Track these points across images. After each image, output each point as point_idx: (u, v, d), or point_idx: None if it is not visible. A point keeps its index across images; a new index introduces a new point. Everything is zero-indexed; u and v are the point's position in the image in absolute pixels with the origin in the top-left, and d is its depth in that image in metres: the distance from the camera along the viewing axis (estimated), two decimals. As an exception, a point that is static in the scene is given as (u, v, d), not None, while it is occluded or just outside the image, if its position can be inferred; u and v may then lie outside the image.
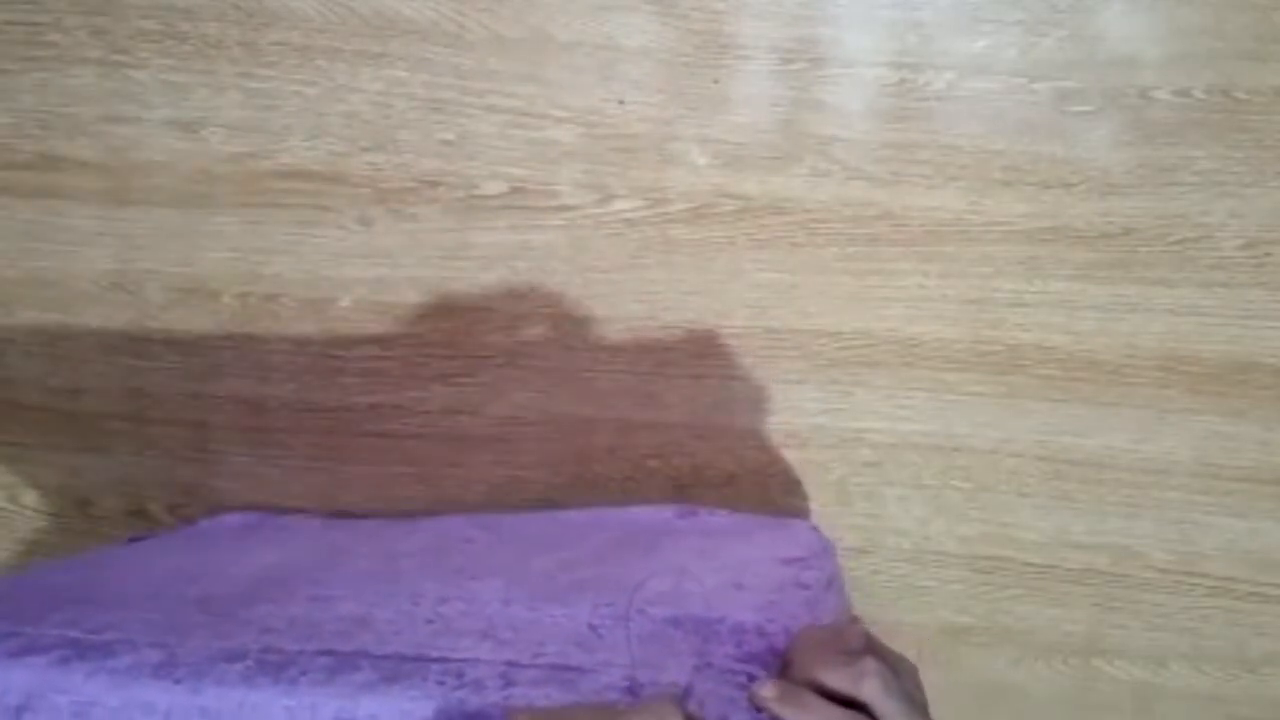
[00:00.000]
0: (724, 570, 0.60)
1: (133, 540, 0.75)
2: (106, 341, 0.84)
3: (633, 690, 0.48)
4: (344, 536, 0.72)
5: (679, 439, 0.83)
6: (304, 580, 0.60)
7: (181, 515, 0.87)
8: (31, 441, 0.87)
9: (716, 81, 0.76)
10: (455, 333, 0.82)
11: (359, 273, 0.81)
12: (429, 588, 0.57)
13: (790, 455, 0.83)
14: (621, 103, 0.77)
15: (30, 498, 0.88)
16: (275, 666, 0.50)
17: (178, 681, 0.49)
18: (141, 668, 0.50)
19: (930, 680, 0.84)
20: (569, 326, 0.81)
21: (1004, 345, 0.79)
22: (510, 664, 0.50)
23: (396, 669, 0.50)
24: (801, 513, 0.84)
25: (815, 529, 0.72)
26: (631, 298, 0.81)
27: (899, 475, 0.82)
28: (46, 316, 0.84)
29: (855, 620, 0.56)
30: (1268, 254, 0.76)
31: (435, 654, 0.51)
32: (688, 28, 0.75)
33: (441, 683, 0.49)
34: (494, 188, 0.79)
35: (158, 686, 0.50)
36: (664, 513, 0.73)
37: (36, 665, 0.50)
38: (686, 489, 0.84)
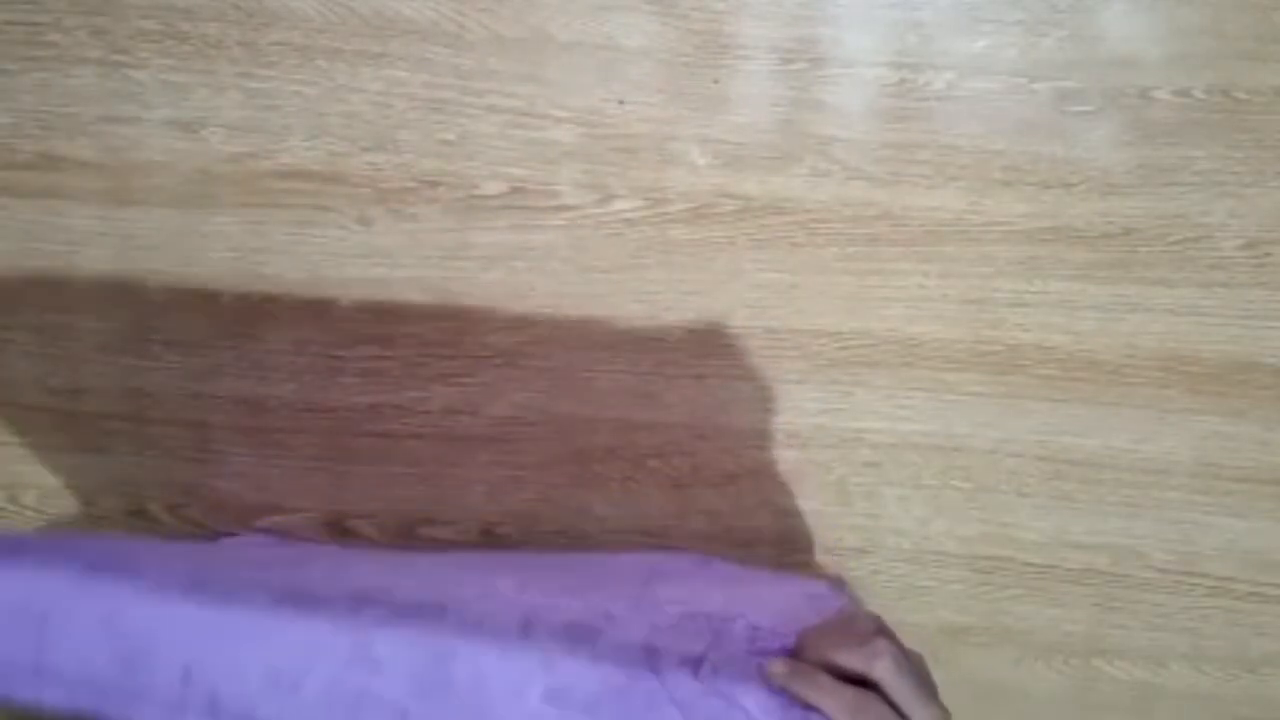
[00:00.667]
0: (741, 598, 0.60)
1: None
2: (106, 341, 0.84)
3: (650, 650, 0.48)
4: (353, 556, 0.73)
5: (679, 439, 0.83)
6: (319, 567, 0.60)
7: (181, 515, 0.87)
8: (31, 441, 0.87)
9: (716, 81, 0.76)
10: (455, 333, 0.82)
11: (359, 273, 0.81)
12: (446, 575, 0.57)
13: (790, 455, 0.83)
14: (621, 103, 0.77)
15: (30, 498, 0.88)
16: (298, 599, 0.50)
17: (204, 601, 0.50)
18: (169, 585, 0.51)
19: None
20: (569, 326, 0.81)
21: (1004, 345, 0.79)
22: (529, 617, 0.50)
23: (415, 610, 0.50)
24: (801, 513, 0.84)
25: (830, 584, 0.72)
26: (631, 298, 0.81)
27: (899, 475, 0.82)
28: (46, 316, 0.84)
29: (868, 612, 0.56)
30: (1268, 254, 0.76)
31: (457, 602, 0.52)
32: (688, 28, 0.75)
33: (461, 621, 0.49)
34: (494, 188, 0.79)
35: (186, 602, 0.50)
36: (678, 561, 0.74)
37: (64, 574, 0.51)
38: (686, 489, 0.84)
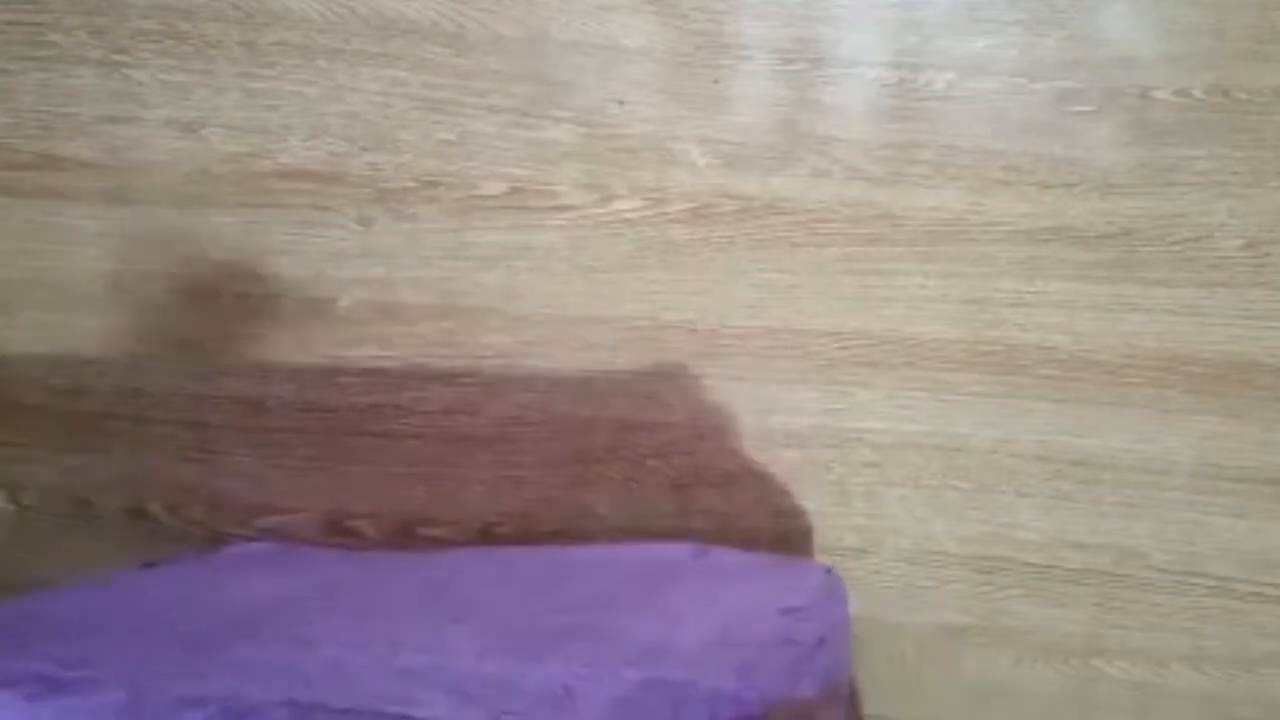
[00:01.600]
0: (716, 621, 0.60)
1: (148, 566, 0.75)
2: (106, 341, 0.84)
3: None
4: (352, 571, 0.73)
5: (679, 439, 0.83)
6: (293, 618, 0.60)
7: (181, 515, 0.87)
8: (31, 441, 0.87)
9: (716, 81, 0.76)
10: (455, 333, 0.82)
11: (359, 273, 0.81)
12: (410, 635, 0.57)
13: (790, 455, 0.83)
14: (621, 103, 0.77)
15: (30, 498, 0.88)
16: (236, 715, 0.50)
17: None
18: (106, 709, 0.51)
19: (930, 680, 0.84)
20: (569, 326, 0.81)
21: (1004, 345, 0.79)
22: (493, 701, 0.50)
23: None
24: (801, 513, 0.84)
25: (828, 571, 0.72)
26: (631, 298, 0.81)
27: (899, 475, 0.82)
28: (46, 316, 0.84)
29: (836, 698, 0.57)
30: (1268, 254, 0.76)
31: (394, 710, 0.51)
32: (688, 28, 0.75)
33: None
34: (494, 188, 0.79)
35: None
36: (677, 551, 0.74)
37: (7, 701, 0.51)
38: (686, 489, 0.84)
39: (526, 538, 0.85)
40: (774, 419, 0.82)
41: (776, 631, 0.60)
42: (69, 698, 0.51)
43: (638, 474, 0.84)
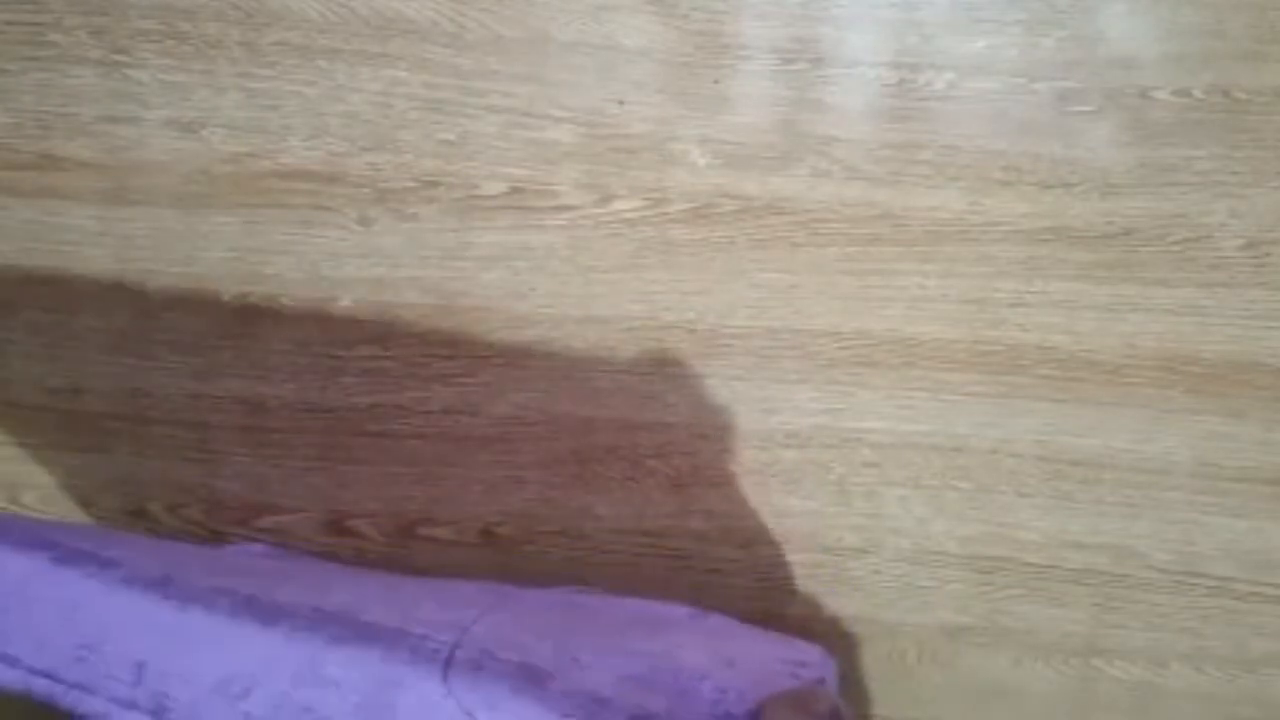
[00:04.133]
0: (720, 652, 0.60)
1: None
2: (106, 341, 0.84)
3: (599, 701, 0.48)
4: (337, 574, 0.73)
5: (679, 439, 0.83)
6: (298, 582, 0.60)
7: (181, 515, 0.87)
8: (31, 441, 0.87)
9: (716, 81, 0.76)
10: (455, 333, 0.82)
11: (359, 273, 0.81)
12: (424, 603, 0.57)
13: (790, 455, 0.83)
14: (621, 103, 0.77)
15: (30, 498, 0.88)
16: (262, 608, 0.50)
17: (165, 600, 0.50)
18: (135, 581, 0.50)
19: (930, 680, 0.84)
20: (569, 326, 0.81)
21: (1004, 345, 0.79)
22: (484, 652, 0.50)
23: (373, 634, 0.50)
24: (801, 513, 0.84)
25: (826, 655, 0.71)
26: (631, 298, 0.81)
27: (899, 475, 0.82)
28: (46, 316, 0.84)
29: (822, 685, 0.57)
30: (1268, 254, 0.76)
31: (419, 630, 0.51)
32: (688, 28, 0.75)
33: (415, 650, 0.49)
34: (494, 188, 0.79)
35: (147, 599, 0.50)
36: (675, 611, 0.73)
37: (35, 559, 0.51)
38: (686, 489, 0.84)
39: (527, 538, 0.85)
40: (774, 419, 0.82)
41: (781, 667, 0.60)
42: (100, 568, 0.51)
43: (638, 474, 0.84)
